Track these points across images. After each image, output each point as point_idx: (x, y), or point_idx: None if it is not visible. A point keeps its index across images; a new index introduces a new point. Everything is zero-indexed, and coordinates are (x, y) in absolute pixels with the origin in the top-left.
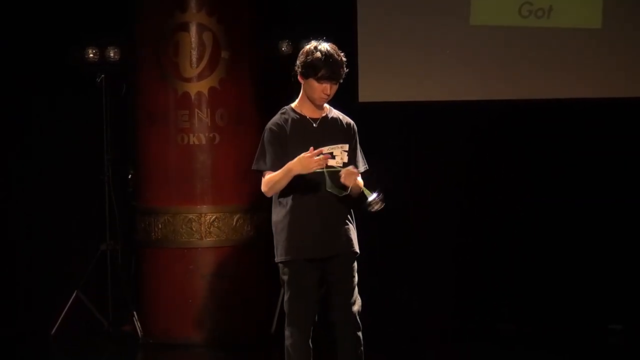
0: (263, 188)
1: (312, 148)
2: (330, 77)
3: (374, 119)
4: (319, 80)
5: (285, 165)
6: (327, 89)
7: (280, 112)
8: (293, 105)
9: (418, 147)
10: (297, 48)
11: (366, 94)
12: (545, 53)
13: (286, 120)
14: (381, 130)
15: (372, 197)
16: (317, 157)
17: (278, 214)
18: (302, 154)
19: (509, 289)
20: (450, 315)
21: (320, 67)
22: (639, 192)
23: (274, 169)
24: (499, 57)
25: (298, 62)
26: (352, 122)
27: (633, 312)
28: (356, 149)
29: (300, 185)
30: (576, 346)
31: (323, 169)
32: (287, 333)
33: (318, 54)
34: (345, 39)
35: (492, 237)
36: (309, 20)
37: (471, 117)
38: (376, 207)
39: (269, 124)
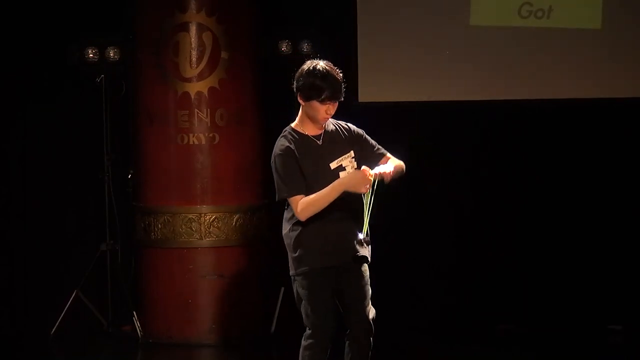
0: (302, 211)
1: (364, 168)
2: (332, 98)
3: (374, 119)
4: (322, 102)
5: (333, 183)
6: (329, 109)
7: (282, 135)
8: (293, 125)
9: (418, 147)
10: (296, 48)
11: (366, 94)
12: (544, 53)
13: (292, 141)
14: (381, 130)
15: (361, 235)
16: (370, 175)
17: (294, 226)
18: (357, 172)
19: (508, 289)
20: (449, 316)
21: (322, 89)
22: (639, 192)
23: (303, 192)
24: (499, 58)
25: (297, 84)
26: (349, 125)
27: (633, 312)
28: (367, 141)
29: None
30: (576, 346)
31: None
32: (305, 343)
33: (317, 75)
34: (346, 39)
35: (492, 237)
36: (309, 21)
37: (471, 117)
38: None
39: (277, 150)
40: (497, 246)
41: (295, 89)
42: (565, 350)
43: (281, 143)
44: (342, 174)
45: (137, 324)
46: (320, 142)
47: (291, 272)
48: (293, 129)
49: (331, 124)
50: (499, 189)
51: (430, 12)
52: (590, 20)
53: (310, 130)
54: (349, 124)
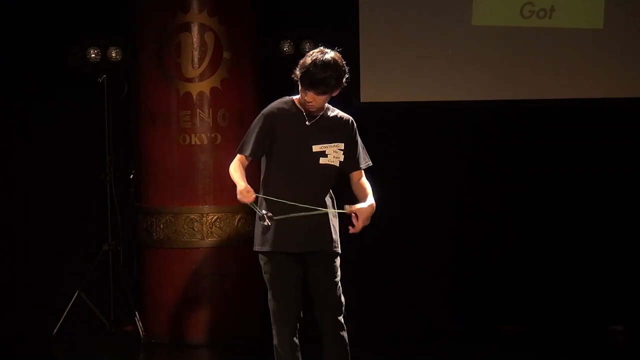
0: (230, 168)
1: (247, 186)
2: (309, 88)
3: (376, 119)
4: (304, 88)
5: (239, 179)
6: (310, 97)
7: (281, 100)
8: (295, 98)
9: (419, 147)
10: (298, 48)
11: (368, 94)
12: (546, 53)
13: (283, 110)
14: (382, 130)
15: (260, 212)
16: (247, 196)
17: (263, 199)
18: (244, 188)
19: (509, 289)
20: (450, 316)
21: (305, 76)
22: (639, 192)
23: (253, 156)
24: (501, 58)
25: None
26: (350, 119)
27: (634, 313)
28: (356, 146)
29: (285, 180)
30: (577, 347)
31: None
32: (273, 332)
33: (309, 60)
34: (347, 40)
35: (493, 237)
36: (311, 21)
37: (473, 117)
38: (262, 222)
39: (264, 110)
40: (498, 246)
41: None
42: (566, 350)
43: (273, 105)
44: (322, 159)
45: (139, 324)
46: (308, 123)
47: (255, 247)
48: (292, 100)
49: (334, 112)
50: (500, 189)
51: (432, 13)
52: (592, 20)
53: (306, 110)
54: (350, 120)
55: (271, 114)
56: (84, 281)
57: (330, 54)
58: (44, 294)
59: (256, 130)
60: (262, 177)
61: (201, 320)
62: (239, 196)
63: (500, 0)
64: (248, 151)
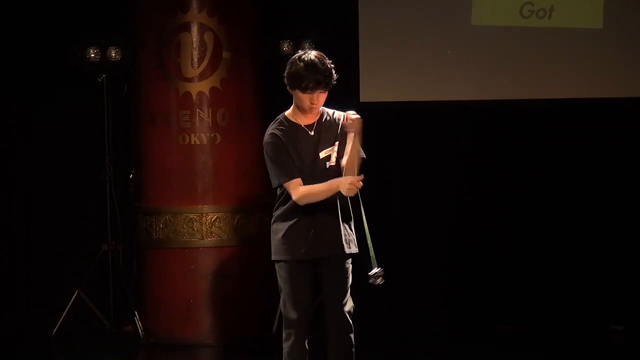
0: (301, 197)
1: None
2: (313, 87)
3: (376, 119)
4: (304, 90)
5: (331, 181)
6: (313, 98)
7: (275, 122)
8: (286, 113)
9: (419, 147)
10: (298, 48)
11: (367, 94)
12: (546, 53)
13: (283, 131)
14: (382, 130)
15: (373, 271)
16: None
17: (275, 215)
18: (353, 179)
19: (509, 289)
20: (450, 316)
21: (303, 78)
22: (639, 192)
23: (298, 175)
24: (500, 58)
25: (285, 74)
26: (342, 114)
27: (634, 313)
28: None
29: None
30: (577, 347)
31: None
32: (284, 335)
33: (301, 64)
34: (347, 39)
35: (493, 237)
36: (310, 21)
37: (473, 117)
38: (377, 281)
39: (267, 138)
40: (498, 246)
41: (283, 79)
42: (566, 350)
43: (270, 131)
44: (328, 163)
45: (139, 324)
46: (312, 133)
47: (272, 257)
48: (285, 117)
49: (326, 113)
50: (499, 189)
51: (432, 12)
52: (592, 20)
53: (302, 120)
54: (340, 115)
55: (275, 136)
56: (84, 281)
57: (313, 52)
58: (44, 294)
59: (277, 154)
60: (279, 198)
61: (201, 320)
62: (350, 188)
63: (500, 0)
64: (296, 172)
